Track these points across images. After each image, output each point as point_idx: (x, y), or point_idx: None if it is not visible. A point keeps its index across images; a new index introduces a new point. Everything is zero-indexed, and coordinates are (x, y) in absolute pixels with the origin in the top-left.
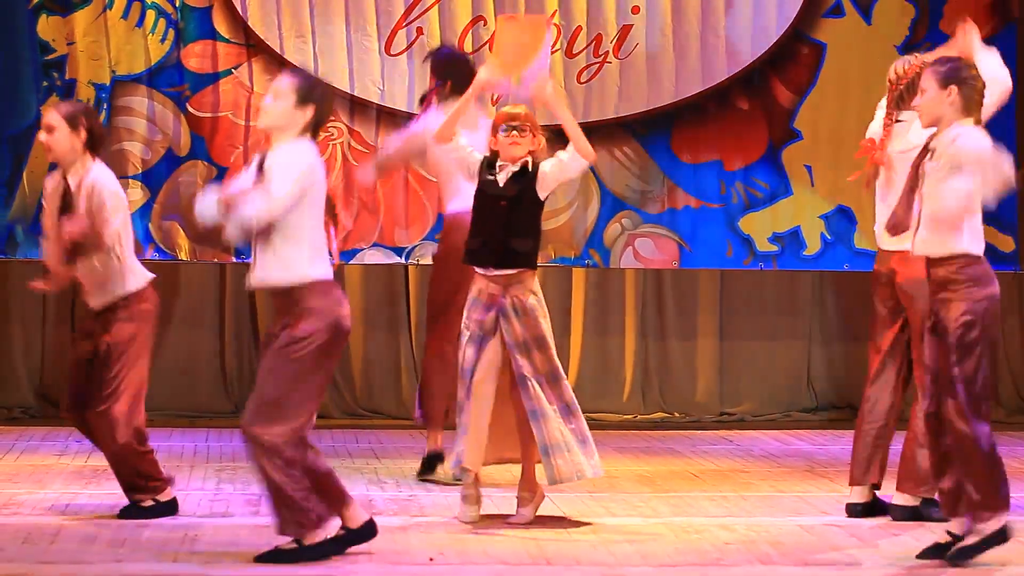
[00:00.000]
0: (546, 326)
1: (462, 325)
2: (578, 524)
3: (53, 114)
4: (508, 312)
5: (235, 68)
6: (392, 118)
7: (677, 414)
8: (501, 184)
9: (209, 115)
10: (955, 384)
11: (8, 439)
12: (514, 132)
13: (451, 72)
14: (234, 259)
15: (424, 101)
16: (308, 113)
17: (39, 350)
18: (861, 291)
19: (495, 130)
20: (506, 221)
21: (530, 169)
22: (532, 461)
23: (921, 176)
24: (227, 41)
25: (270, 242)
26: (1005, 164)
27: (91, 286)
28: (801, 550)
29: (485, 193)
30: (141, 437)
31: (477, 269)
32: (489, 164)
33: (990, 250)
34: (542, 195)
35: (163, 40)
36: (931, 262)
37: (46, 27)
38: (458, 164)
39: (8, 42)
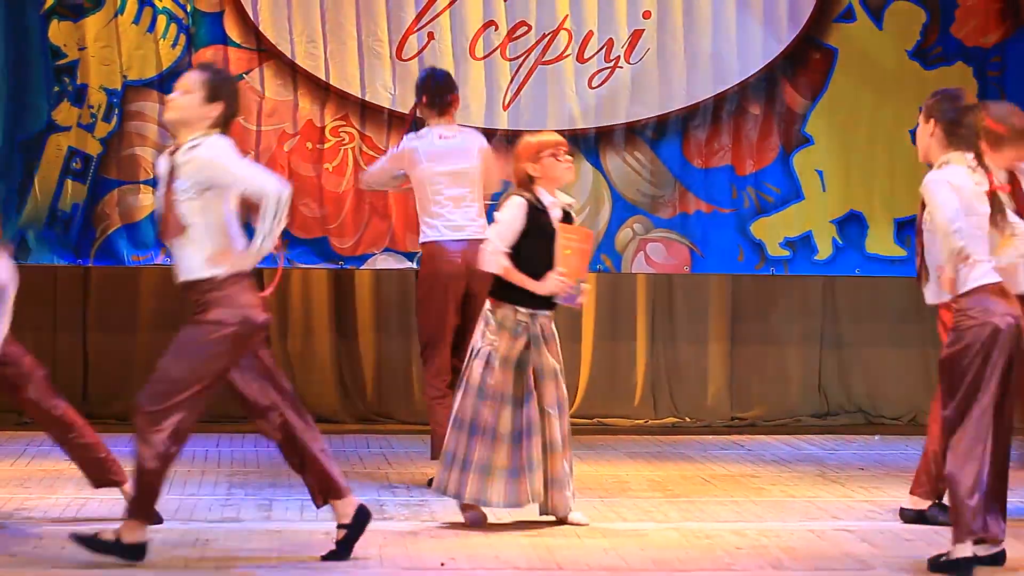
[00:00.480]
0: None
1: (488, 346)
2: (589, 529)
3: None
4: (539, 340)
5: (246, 73)
6: (403, 123)
7: (688, 419)
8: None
9: None
10: None
11: (19, 444)
12: (569, 157)
13: (426, 88)
14: None
15: (408, 116)
16: (217, 108)
17: (50, 355)
18: (872, 296)
19: (538, 156)
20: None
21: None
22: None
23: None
24: (238, 46)
25: (187, 236)
26: (953, 227)
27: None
28: (812, 555)
29: (546, 233)
30: None
31: (525, 309)
32: (534, 204)
33: None
34: None
35: (174, 45)
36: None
37: (58, 32)
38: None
39: (20, 47)
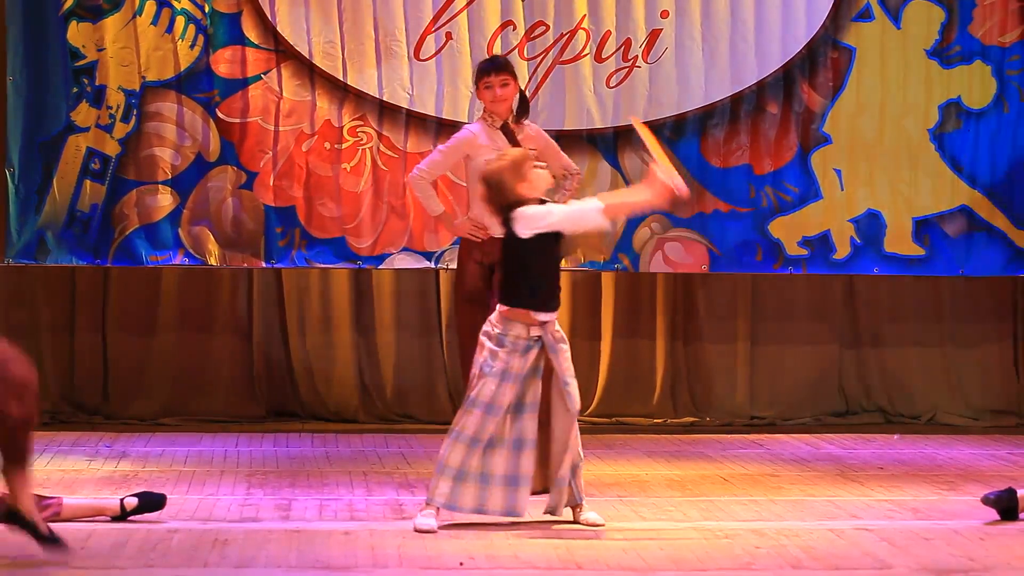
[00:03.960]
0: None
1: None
2: (608, 528)
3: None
4: (550, 346)
5: (264, 74)
6: (421, 123)
7: (707, 418)
8: None
9: (238, 120)
10: None
11: (39, 444)
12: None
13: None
14: (264, 264)
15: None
16: None
17: (69, 356)
18: (891, 295)
19: (523, 173)
20: (559, 261)
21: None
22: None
23: None
24: (256, 47)
25: None
26: None
27: None
28: (832, 555)
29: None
30: None
31: (537, 315)
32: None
33: (1021, 254)
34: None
35: (192, 46)
36: None
37: (76, 34)
38: None
39: (38, 49)
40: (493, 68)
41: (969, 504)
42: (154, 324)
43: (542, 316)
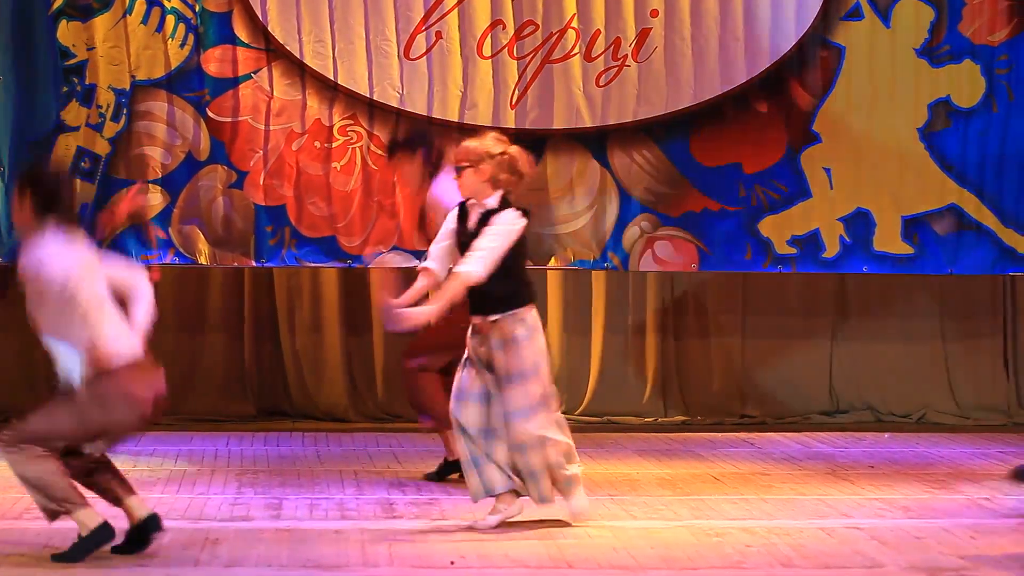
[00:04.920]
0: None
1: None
2: (599, 527)
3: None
4: (494, 345)
5: (255, 73)
6: (411, 122)
7: (698, 417)
8: (471, 228)
9: (229, 119)
10: None
11: None
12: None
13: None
14: (254, 263)
15: None
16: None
17: None
18: (881, 293)
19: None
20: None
21: (498, 208)
22: None
23: None
24: (246, 46)
25: None
26: None
27: None
28: (822, 553)
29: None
30: None
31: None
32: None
33: (1009, 252)
34: None
35: (183, 45)
36: None
37: (66, 33)
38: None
39: (28, 48)
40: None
41: (959, 503)
42: None
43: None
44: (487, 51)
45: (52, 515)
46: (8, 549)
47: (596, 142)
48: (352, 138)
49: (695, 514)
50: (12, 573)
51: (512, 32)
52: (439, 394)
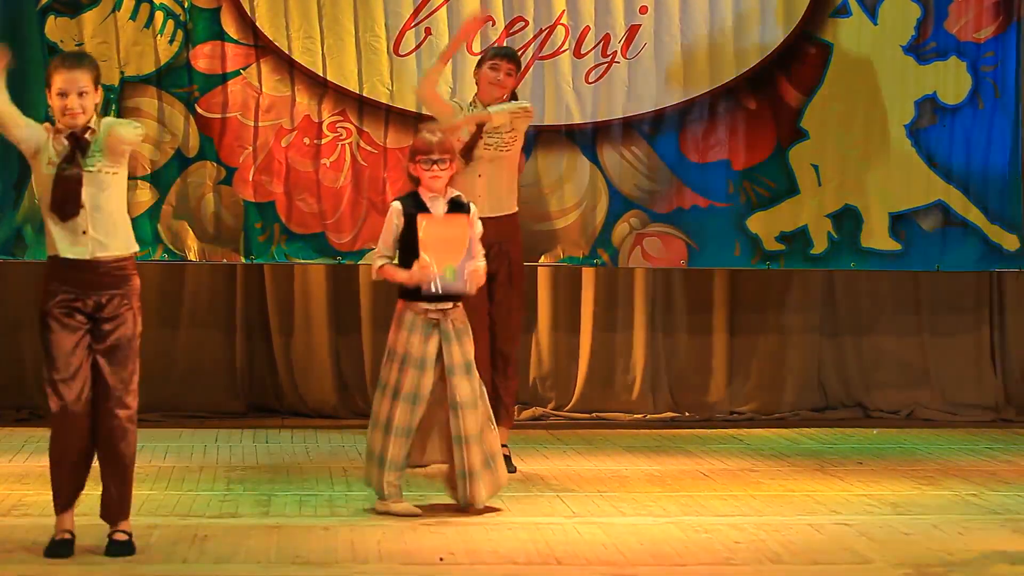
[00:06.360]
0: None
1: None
2: (588, 523)
3: None
4: (449, 336)
5: (244, 69)
6: (401, 118)
7: (687, 413)
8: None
9: (218, 116)
10: None
11: (17, 440)
12: (435, 166)
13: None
14: (243, 260)
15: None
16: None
17: None
18: (870, 290)
19: (412, 157)
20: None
21: (464, 201)
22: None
23: None
24: (235, 42)
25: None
26: None
27: None
28: (811, 549)
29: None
30: None
31: (431, 306)
32: (414, 198)
33: (996, 249)
34: None
35: (171, 41)
36: None
37: (54, 28)
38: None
39: (16, 44)
40: (507, 56)
41: (948, 499)
42: None
43: (433, 307)
44: (477, 48)
45: None
46: None
47: (586, 139)
48: (342, 135)
49: (684, 510)
50: (2, 571)
51: (502, 28)
52: None
